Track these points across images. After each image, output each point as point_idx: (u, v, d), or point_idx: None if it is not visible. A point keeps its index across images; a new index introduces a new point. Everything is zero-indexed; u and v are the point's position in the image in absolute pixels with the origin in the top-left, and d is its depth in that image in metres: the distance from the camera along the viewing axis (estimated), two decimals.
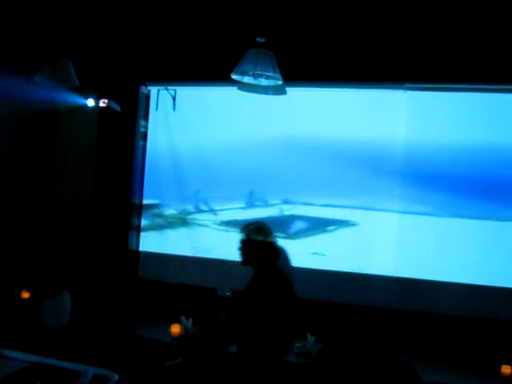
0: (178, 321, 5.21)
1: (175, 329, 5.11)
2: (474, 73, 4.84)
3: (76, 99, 5.70)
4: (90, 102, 5.78)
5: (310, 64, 5.11)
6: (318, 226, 5.47)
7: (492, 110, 5.01)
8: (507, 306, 4.87)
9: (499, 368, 4.42)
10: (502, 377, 4.38)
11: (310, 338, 4.90)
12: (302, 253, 5.40)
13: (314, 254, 5.41)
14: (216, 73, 5.17)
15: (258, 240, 3.84)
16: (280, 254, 3.95)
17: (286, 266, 4.58)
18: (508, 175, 4.98)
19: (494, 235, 5.00)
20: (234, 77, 4.81)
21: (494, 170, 5.01)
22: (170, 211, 5.87)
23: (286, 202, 5.53)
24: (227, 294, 4.11)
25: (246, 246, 3.88)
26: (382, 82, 5.11)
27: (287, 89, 5.40)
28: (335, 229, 5.42)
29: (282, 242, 5.33)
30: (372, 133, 5.22)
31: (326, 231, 5.45)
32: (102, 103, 5.75)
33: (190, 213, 5.82)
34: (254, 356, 3.65)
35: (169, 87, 5.78)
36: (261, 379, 3.65)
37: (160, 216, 5.92)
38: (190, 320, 5.23)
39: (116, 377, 3.41)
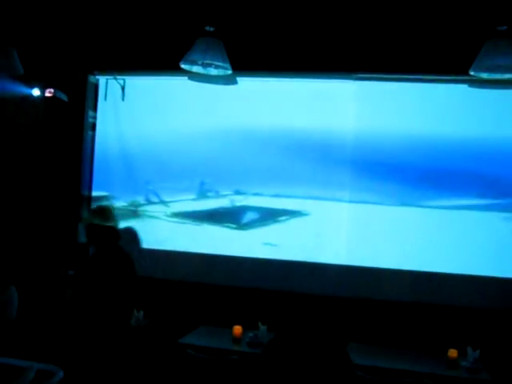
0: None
1: None
2: (421, 63, 4.93)
3: (21, 89, 5.55)
4: (36, 92, 5.63)
5: (259, 54, 5.10)
6: (270, 216, 5.47)
7: (439, 100, 5.09)
8: (454, 292, 4.99)
9: (446, 352, 4.52)
10: (449, 360, 4.48)
11: (262, 328, 4.91)
12: (253, 243, 5.44)
13: (266, 244, 5.42)
14: (165, 62, 5.12)
15: (98, 222, 4.33)
16: (129, 235, 4.77)
17: (136, 246, 4.81)
18: (454, 164, 5.09)
19: (442, 223, 5.11)
20: (183, 66, 4.78)
21: (440, 159, 5.11)
22: (120, 203, 5.78)
23: (237, 192, 5.52)
24: (70, 272, 4.72)
25: (87, 228, 4.42)
26: (331, 72, 5.13)
27: (237, 79, 5.38)
28: (286, 219, 5.44)
29: (233, 233, 5.47)
30: (322, 123, 5.26)
31: (277, 221, 5.46)
32: (48, 93, 5.62)
33: (141, 205, 5.75)
34: (100, 323, 4.15)
35: (118, 77, 5.68)
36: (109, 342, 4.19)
37: None
38: (141, 312, 5.17)
39: (61, 373, 3.37)
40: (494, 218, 5.03)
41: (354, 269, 5.18)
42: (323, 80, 5.24)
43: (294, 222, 5.42)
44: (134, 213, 5.74)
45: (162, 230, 5.67)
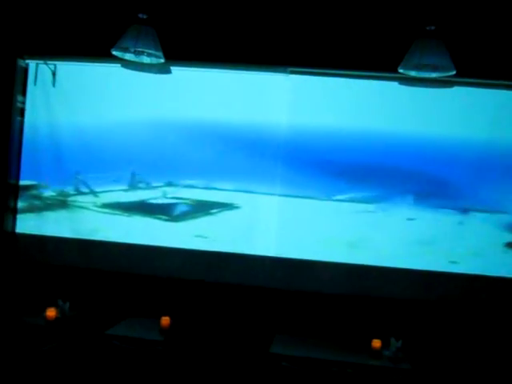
0: (55, 304, 5.05)
1: (51, 312, 4.94)
2: (354, 59, 5.02)
3: None
4: None
5: (193, 43, 5.09)
6: (202, 208, 5.47)
7: (370, 96, 5.19)
8: (378, 284, 5.12)
9: (370, 342, 4.62)
10: (373, 350, 4.59)
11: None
12: (185, 235, 5.42)
13: (198, 236, 5.41)
14: (98, 48, 5.05)
15: None
16: None
17: None
18: (384, 160, 5.21)
19: (370, 217, 5.22)
20: (114, 53, 4.71)
21: (371, 154, 5.22)
22: (48, 193, 5.65)
23: (169, 184, 5.48)
24: None
25: None
26: (265, 65, 5.15)
27: (171, 68, 5.34)
28: (218, 211, 5.44)
29: (165, 224, 5.44)
30: (255, 116, 5.28)
31: (209, 214, 5.46)
32: None
33: (70, 195, 5.63)
34: None
35: (48, 62, 5.54)
36: None
37: (38, 197, 5.68)
38: (67, 303, 5.07)
39: None
40: (419, 213, 5.19)
41: (283, 261, 5.24)
42: (257, 73, 5.25)
43: (225, 215, 5.43)
44: (62, 203, 5.62)
45: (92, 221, 5.58)
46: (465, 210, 5.16)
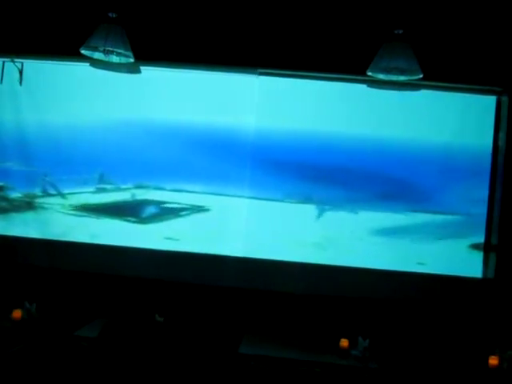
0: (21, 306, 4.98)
1: (17, 314, 4.86)
2: (324, 61, 5.07)
3: None
4: None
5: (163, 43, 5.08)
6: (171, 210, 5.45)
7: (340, 98, 5.26)
8: (346, 284, 5.18)
9: (338, 342, 4.65)
10: (341, 349, 4.61)
11: (159, 319, 4.87)
12: (154, 236, 5.39)
13: (167, 238, 5.39)
14: (66, 47, 5.00)
15: None
16: None
17: None
18: (351, 162, 5.27)
19: (338, 218, 5.27)
20: (83, 52, 4.68)
21: (338, 157, 5.28)
22: (15, 194, 5.57)
23: (138, 186, 5.46)
24: None
25: None
26: (234, 66, 5.17)
27: (141, 68, 5.32)
28: (187, 214, 5.43)
29: (133, 227, 5.41)
30: (224, 117, 5.29)
31: (178, 216, 5.45)
32: None
33: (38, 196, 5.57)
34: None
35: (15, 59, 5.48)
36: None
37: (4, 199, 5.60)
38: (34, 305, 5.00)
39: None
40: (385, 214, 5.27)
41: (252, 261, 5.26)
42: (227, 74, 5.27)
43: (195, 217, 5.42)
44: (29, 204, 5.55)
45: (60, 222, 5.53)
46: (430, 212, 5.25)
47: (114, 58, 4.78)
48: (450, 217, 5.25)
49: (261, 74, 5.22)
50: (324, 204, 5.31)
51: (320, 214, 5.31)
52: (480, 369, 4.54)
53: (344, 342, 4.64)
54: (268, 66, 5.13)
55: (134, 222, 5.48)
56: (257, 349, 4.64)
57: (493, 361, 4.51)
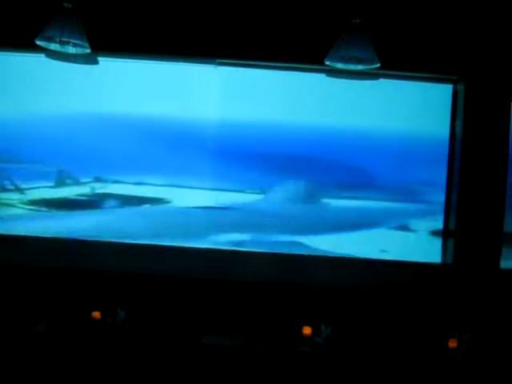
0: None
1: None
2: (283, 51, 5.05)
3: None
4: None
5: (120, 34, 5.00)
6: (131, 203, 5.40)
7: (300, 88, 5.25)
8: (309, 272, 5.20)
9: (301, 329, 4.70)
10: (303, 337, 4.67)
11: (121, 313, 4.83)
12: (115, 230, 5.34)
13: (129, 231, 5.33)
14: (21, 38, 4.90)
15: None
16: None
17: None
18: (314, 153, 5.29)
19: (299, 207, 5.30)
20: (38, 43, 4.61)
21: (301, 147, 5.28)
22: None
23: (97, 179, 5.39)
24: None
25: None
26: (193, 56, 5.12)
27: (98, 59, 5.23)
28: (148, 206, 5.39)
29: (94, 220, 5.34)
30: (184, 109, 5.24)
31: (139, 209, 5.40)
32: None
33: None
34: None
35: None
36: None
37: None
38: None
39: None
40: (346, 202, 5.33)
41: (216, 252, 5.25)
42: (185, 64, 5.22)
43: (155, 210, 5.38)
44: None
45: (17, 217, 5.41)
46: (390, 200, 5.32)
47: (70, 49, 4.71)
48: (409, 204, 5.33)
49: (220, 64, 5.19)
50: (286, 194, 5.32)
51: (282, 204, 5.33)
52: (440, 351, 4.64)
53: (307, 330, 4.69)
54: (227, 56, 5.10)
55: (93, 215, 5.41)
56: (220, 338, 4.65)
57: (452, 343, 4.62)
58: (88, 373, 4.57)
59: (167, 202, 5.36)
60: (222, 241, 5.30)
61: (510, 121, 5.18)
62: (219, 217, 5.31)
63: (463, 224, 5.18)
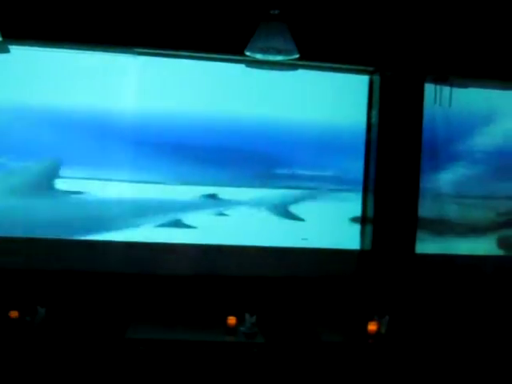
0: None
1: None
2: (203, 41, 4.99)
3: None
4: None
5: (34, 21, 4.78)
6: (46, 196, 5.23)
7: (220, 78, 5.24)
8: (231, 263, 5.25)
9: (225, 320, 4.73)
10: (228, 327, 4.71)
11: (41, 310, 4.70)
12: (34, 225, 5.13)
13: (47, 225, 5.14)
14: None
15: None
16: None
17: None
18: (233, 143, 5.30)
19: (220, 198, 5.31)
20: None
21: (220, 138, 5.28)
22: None
23: (11, 172, 5.17)
24: None
25: None
26: (111, 45, 4.99)
27: (10, 47, 5.00)
28: (66, 199, 5.23)
29: (10, 214, 5.13)
30: (103, 99, 5.12)
31: (57, 202, 5.24)
32: None
33: None
34: None
35: None
36: None
37: None
38: None
39: None
40: (267, 192, 5.38)
41: (135, 245, 5.18)
42: (104, 54, 5.08)
43: (73, 202, 5.24)
44: None
45: None
46: (310, 188, 5.42)
47: None
48: (329, 192, 5.44)
49: (139, 53, 5.10)
50: (205, 185, 5.32)
51: (201, 195, 5.32)
52: (361, 334, 4.78)
53: (231, 320, 4.72)
54: (146, 45, 5.01)
55: (10, 209, 5.21)
56: (144, 333, 4.61)
57: (372, 326, 4.77)
58: (7, 373, 4.43)
59: (83, 194, 5.22)
60: (141, 234, 5.23)
61: (423, 110, 5.39)
62: (138, 209, 5.24)
63: (380, 211, 5.35)
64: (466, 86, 5.54)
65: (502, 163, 5.69)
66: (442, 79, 5.42)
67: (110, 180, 5.20)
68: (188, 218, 5.30)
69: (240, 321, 4.73)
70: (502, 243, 5.75)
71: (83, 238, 5.18)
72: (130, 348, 4.45)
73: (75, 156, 5.16)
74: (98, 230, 5.21)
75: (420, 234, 5.44)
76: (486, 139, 5.65)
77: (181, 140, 5.25)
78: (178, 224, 5.28)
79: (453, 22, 5.22)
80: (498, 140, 5.68)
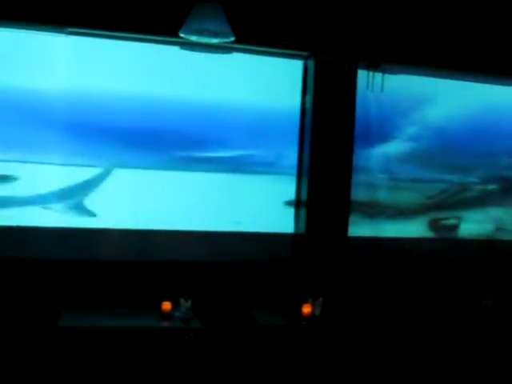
0: None
1: None
2: (136, 22, 4.91)
3: None
4: None
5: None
6: None
7: (154, 60, 5.15)
8: (165, 248, 5.23)
9: (160, 304, 4.71)
10: (163, 312, 4.68)
11: None
12: None
13: None
14: None
15: None
16: None
17: None
18: (165, 125, 5.24)
19: (154, 182, 5.24)
20: None
21: (153, 120, 5.20)
22: None
23: None
24: None
25: None
26: (41, 24, 4.80)
27: None
28: None
29: None
30: (32, 79, 4.93)
31: None
32: None
33: None
34: None
35: None
36: None
37: None
38: None
39: None
40: (201, 175, 5.34)
41: (68, 231, 5.06)
42: (34, 33, 4.88)
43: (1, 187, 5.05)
44: None
45: None
46: (245, 172, 5.42)
47: None
48: (263, 176, 5.46)
49: (70, 33, 4.93)
50: (137, 168, 5.22)
51: (133, 179, 5.22)
52: (296, 317, 4.85)
53: (166, 305, 4.69)
54: (78, 24, 4.85)
55: None
56: (78, 321, 4.52)
57: (306, 309, 4.84)
58: None
59: (14, 179, 5.04)
60: (75, 219, 5.12)
61: (356, 96, 5.47)
62: (67, 192, 5.11)
63: (313, 195, 5.42)
64: (397, 73, 5.66)
65: (432, 147, 5.87)
66: (374, 66, 5.52)
67: (40, 163, 5.03)
68: (120, 202, 5.18)
69: (175, 306, 4.71)
70: (432, 225, 5.96)
71: (13, 224, 5.00)
72: (62, 336, 4.35)
73: (4, 138, 4.96)
74: (27, 215, 5.04)
75: (352, 217, 5.55)
76: (416, 124, 5.81)
77: (113, 123, 5.12)
78: (109, 208, 5.17)
79: (386, 10, 5.33)
80: (428, 125, 5.85)
